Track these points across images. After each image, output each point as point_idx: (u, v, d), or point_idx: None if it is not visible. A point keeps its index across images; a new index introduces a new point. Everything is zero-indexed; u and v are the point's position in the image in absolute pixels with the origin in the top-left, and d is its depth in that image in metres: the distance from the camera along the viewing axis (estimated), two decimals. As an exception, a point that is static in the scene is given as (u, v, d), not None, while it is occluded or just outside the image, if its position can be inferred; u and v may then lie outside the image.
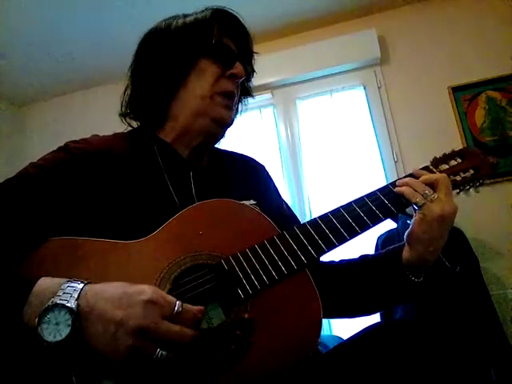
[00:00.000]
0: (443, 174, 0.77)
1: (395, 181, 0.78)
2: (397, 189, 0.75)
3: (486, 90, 2.19)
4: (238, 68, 0.81)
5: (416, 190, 0.73)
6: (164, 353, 0.51)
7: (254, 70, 0.93)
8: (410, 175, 0.79)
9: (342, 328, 2.06)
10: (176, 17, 0.85)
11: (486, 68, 2.20)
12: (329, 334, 2.04)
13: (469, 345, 0.62)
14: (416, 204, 0.72)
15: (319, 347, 0.63)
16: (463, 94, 2.22)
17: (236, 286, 0.62)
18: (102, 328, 0.51)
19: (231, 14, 0.85)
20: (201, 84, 0.80)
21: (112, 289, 0.55)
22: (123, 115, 0.87)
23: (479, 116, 2.19)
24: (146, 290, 0.54)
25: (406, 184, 0.75)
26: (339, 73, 2.43)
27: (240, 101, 0.93)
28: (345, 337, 1.71)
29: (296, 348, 0.60)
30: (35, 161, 0.72)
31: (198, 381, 0.56)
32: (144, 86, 0.83)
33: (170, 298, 0.55)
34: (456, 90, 2.23)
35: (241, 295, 0.62)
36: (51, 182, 0.68)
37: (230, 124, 0.86)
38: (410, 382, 0.58)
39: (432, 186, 0.73)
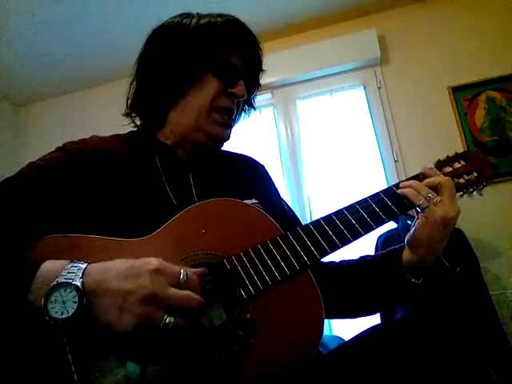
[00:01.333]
0: (447, 176, 0.76)
1: (398, 183, 0.78)
2: (400, 190, 0.75)
3: (486, 90, 2.19)
4: (240, 87, 0.80)
5: (419, 193, 0.73)
6: (171, 319, 0.52)
7: (259, 84, 0.92)
8: (415, 177, 0.79)
9: (342, 328, 2.05)
10: (190, 15, 0.82)
11: (486, 68, 2.20)
12: (329, 334, 2.04)
13: (469, 345, 0.62)
14: (419, 206, 0.72)
15: (320, 348, 0.62)
16: (463, 94, 2.22)
17: (238, 287, 0.62)
18: (109, 301, 0.52)
19: (243, 26, 0.82)
20: (200, 98, 0.79)
21: (117, 264, 0.56)
22: (127, 114, 0.86)
23: (479, 116, 2.19)
24: (152, 261, 0.55)
25: (410, 186, 0.75)
26: (339, 73, 2.43)
27: (242, 110, 0.92)
28: (345, 337, 1.72)
29: (297, 349, 0.60)
30: (34, 160, 0.72)
31: (200, 380, 0.56)
32: (146, 88, 0.82)
33: (176, 266, 0.57)
34: (456, 90, 2.23)
35: (243, 296, 0.62)
36: (50, 183, 0.68)
37: (226, 140, 0.86)
38: (411, 383, 0.58)
39: (435, 189, 0.73)
